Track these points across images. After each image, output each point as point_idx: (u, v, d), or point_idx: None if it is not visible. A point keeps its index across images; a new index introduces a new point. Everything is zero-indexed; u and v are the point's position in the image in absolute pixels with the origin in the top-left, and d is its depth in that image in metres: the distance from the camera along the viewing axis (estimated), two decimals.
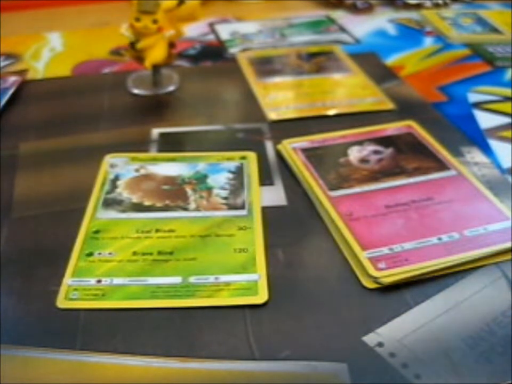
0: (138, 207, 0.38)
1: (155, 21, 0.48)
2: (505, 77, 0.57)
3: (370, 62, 0.60)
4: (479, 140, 0.46)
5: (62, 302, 0.31)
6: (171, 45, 0.51)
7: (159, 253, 0.34)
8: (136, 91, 0.54)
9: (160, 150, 0.45)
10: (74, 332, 0.30)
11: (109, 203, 0.38)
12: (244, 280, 0.32)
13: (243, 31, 0.69)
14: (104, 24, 0.71)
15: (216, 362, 0.28)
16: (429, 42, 0.66)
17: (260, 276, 0.33)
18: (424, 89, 0.55)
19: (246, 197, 0.39)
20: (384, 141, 0.45)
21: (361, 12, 0.75)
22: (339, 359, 0.28)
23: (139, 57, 0.50)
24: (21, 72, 0.57)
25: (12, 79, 0.55)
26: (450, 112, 0.50)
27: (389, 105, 0.51)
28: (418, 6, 0.76)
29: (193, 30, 0.68)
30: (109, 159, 0.43)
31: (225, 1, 0.78)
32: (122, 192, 0.39)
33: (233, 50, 0.64)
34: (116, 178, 0.41)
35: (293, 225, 0.37)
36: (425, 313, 0.31)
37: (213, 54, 0.63)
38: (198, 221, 0.37)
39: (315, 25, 0.71)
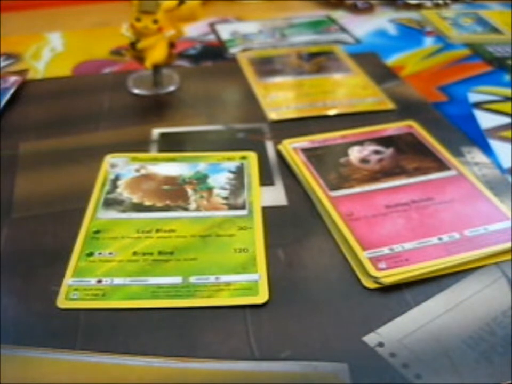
0: (139, 207, 0.38)
1: (155, 21, 0.48)
2: (505, 77, 0.57)
3: (370, 62, 0.60)
4: (479, 140, 0.46)
5: (62, 302, 0.31)
6: (171, 45, 0.51)
7: (160, 253, 0.34)
8: (136, 91, 0.54)
9: (160, 150, 0.45)
10: (74, 332, 0.30)
11: (109, 203, 0.38)
12: (244, 280, 0.32)
13: (243, 31, 0.69)
14: (105, 24, 0.71)
15: (216, 362, 0.28)
16: (429, 42, 0.66)
17: (260, 276, 0.33)
18: (425, 89, 0.55)
19: (246, 197, 0.39)
20: (385, 141, 0.45)
21: (361, 11, 0.75)
22: (339, 359, 0.28)
23: (139, 57, 0.50)
24: (21, 72, 0.57)
25: (12, 79, 0.55)
26: (451, 112, 0.50)
27: (389, 105, 0.51)
28: (418, 6, 0.76)
29: (194, 30, 0.68)
30: (109, 159, 0.43)
31: (225, 1, 0.78)
32: (123, 192, 0.39)
33: (233, 50, 0.64)
34: (116, 178, 0.41)
35: (293, 225, 0.37)
36: (426, 313, 0.31)
37: (214, 54, 0.63)
38: (198, 221, 0.37)
39: (315, 25, 0.71)
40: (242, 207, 0.38)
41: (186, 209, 0.38)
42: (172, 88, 0.54)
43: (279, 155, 0.44)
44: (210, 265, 0.33)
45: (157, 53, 0.49)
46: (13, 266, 0.34)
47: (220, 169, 0.42)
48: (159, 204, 0.38)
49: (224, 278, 0.33)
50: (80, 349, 0.29)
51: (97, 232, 0.36)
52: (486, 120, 0.49)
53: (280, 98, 0.53)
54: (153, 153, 0.44)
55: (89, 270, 0.33)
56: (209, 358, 0.28)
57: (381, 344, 0.29)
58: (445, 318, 0.30)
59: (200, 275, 0.33)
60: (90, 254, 0.34)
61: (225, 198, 0.39)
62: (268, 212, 0.38)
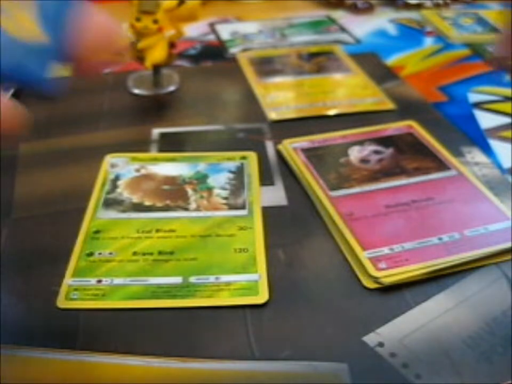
0: (139, 207, 0.38)
1: (155, 21, 0.48)
2: (505, 77, 0.57)
3: (370, 62, 0.60)
4: (479, 140, 0.46)
5: (62, 302, 0.31)
6: (171, 45, 0.51)
7: (160, 253, 0.34)
8: (136, 91, 0.54)
9: (160, 150, 0.45)
10: (74, 332, 0.30)
11: (109, 203, 0.38)
12: (244, 280, 0.32)
13: (243, 31, 0.69)
14: None
15: (216, 362, 0.28)
16: (429, 42, 0.66)
17: (260, 275, 0.33)
18: (425, 89, 0.55)
19: (246, 197, 0.39)
20: (385, 141, 0.45)
21: (361, 11, 0.75)
22: (339, 359, 0.28)
23: (139, 57, 0.50)
24: None
25: None
26: (451, 112, 0.50)
27: (390, 105, 0.51)
28: (418, 6, 0.76)
29: (194, 30, 0.68)
30: (109, 159, 0.43)
31: (225, 1, 0.78)
32: (123, 192, 0.39)
33: (233, 50, 0.64)
34: (116, 178, 0.41)
35: (293, 225, 0.37)
36: (425, 313, 0.31)
37: (214, 54, 0.63)
38: (198, 221, 0.37)
39: (315, 25, 0.71)
40: (242, 207, 0.38)
41: (186, 209, 0.38)
42: (172, 88, 0.54)
43: (279, 155, 0.44)
44: (210, 265, 0.33)
45: (157, 53, 0.49)
46: (13, 266, 0.34)
47: (220, 169, 0.42)
48: (159, 204, 0.38)
49: (224, 278, 0.33)
50: (80, 349, 0.29)
51: (97, 232, 0.36)
52: (486, 120, 0.49)
53: (280, 98, 0.53)
54: (153, 153, 0.44)
55: (89, 270, 0.33)
56: (209, 358, 0.28)
57: (381, 344, 0.29)
58: (445, 318, 0.30)
59: (200, 275, 0.33)
60: (90, 254, 0.34)
61: (225, 198, 0.39)
62: (267, 211, 0.38)
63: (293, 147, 0.44)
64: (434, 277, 0.33)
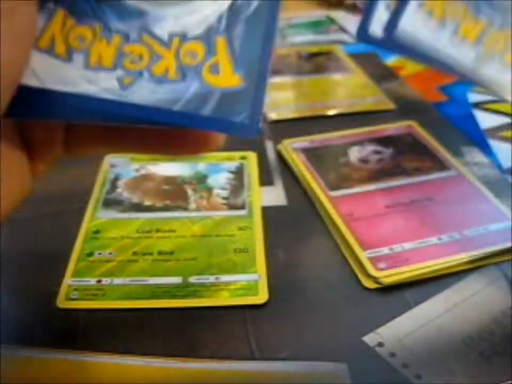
0: (139, 207, 0.38)
1: None
2: None
3: (370, 62, 0.60)
4: (479, 140, 0.46)
5: (62, 302, 0.31)
6: None
7: (159, 253, 0.34)
8: None
9: None
10: (74, 332, 0.30)
11: (109, 203, 0.38)
12: (244, 280, 0.32)
13: None
14: None
15: (216, 362, 0.28)
16: None
17: (260, 276, 0.33)
18: (424, 89, 0.55)
19: (246, 197, 0.39)
20: (384, 141, 0.45)
21: (361, 11, 0.75)
22: (339, 359, 0.28)
23: None
24: None
25: None
26: (451, 112, 0.50)
27: (389, 105, 0.51)
28: None
29: None
30: (109, 159, 0.43)
31: None
32: (123, 192, 0.39)
33: None
34: (116, 178, 0.41)
35: (293, 225, 0.37)
36: (425, 313, 0.31)
37: None
38: (198, 221, 0.37)
39: (315, 25, 0.71)
40: (242, 207, 0.38)
41: (186, 209, 0.38)
42: None
43: (279, 155, 0.44)
44: (210, 265, 0.33)
45: None
46: (13, 266, 0.34)
47: (220, 169, 0.42)
48: (158, 204, 0.38)
49: (224, 278, 0.33)
50: (80, 349, 0.29)
51: (97, 232, 0.36)
52: (485, 120, 0.49)
53: (280, 98, 0.53)
54: None
55: (89, 270, 0.33)
56: (209, 358, 0.28)
57: (380, 344, 0.29)
58: (445, 318, 0.30)
59: (200, 275, 0.33)
60: (90, 254, 0.34)
61: (225, 198, 0.39)
62: (267, 212, 0.38)
63: (292, 147, 0.44)
64: (434, 277, 0.33)
